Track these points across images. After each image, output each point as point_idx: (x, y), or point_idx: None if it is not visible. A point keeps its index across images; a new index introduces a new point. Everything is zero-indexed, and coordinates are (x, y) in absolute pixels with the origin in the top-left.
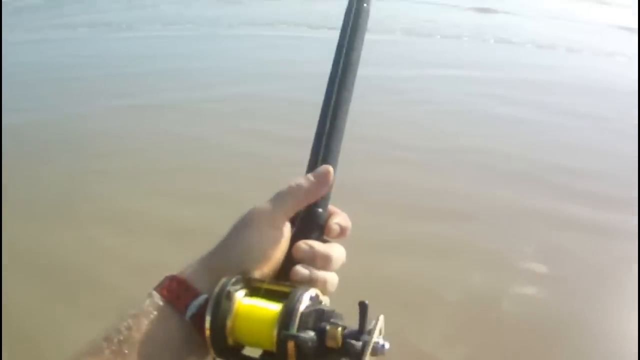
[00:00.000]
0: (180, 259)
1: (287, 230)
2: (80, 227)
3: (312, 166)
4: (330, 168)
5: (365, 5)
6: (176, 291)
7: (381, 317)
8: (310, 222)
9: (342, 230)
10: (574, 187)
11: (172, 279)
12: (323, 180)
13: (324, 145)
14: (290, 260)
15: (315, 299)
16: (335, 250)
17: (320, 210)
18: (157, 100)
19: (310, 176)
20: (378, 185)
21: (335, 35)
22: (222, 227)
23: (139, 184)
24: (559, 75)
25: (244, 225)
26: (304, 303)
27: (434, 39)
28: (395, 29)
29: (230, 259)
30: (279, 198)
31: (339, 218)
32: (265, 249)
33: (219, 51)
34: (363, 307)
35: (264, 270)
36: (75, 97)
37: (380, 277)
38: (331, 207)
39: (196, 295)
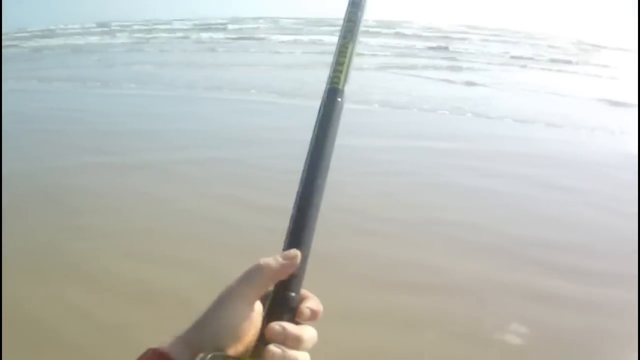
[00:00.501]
0: (146, 320)
1: (257, 307)
2: (51, 281)
3: (286, 247)
4: (298, 252)
5: (339, 99)
6: None
7: None
8: (282, 305)
9: (314, 314)
10: (549, 260)
11: (154, 352)
12: (290, 263)
13: (298, 229)
14: (263, 339)
15: None
16: (307, 332)
17: (293, 294)
18: (132, 159)
19: (279, 257)
20: (350, 257)
21: (307, 104)
22: (188, 292)
23: (110, 243)
24: (536, 148)
25: (218, 303)
26: None
27: (410, 111)
28: (372, 100)
29: (205, 335)
30: (249, 277)
31: (310, 302)
32: (237, 326)
33: (195, 114)
34: None
35: (238, 346)
36: (53, 150)
37: (350, 348)
38: (304, 291)
39: None
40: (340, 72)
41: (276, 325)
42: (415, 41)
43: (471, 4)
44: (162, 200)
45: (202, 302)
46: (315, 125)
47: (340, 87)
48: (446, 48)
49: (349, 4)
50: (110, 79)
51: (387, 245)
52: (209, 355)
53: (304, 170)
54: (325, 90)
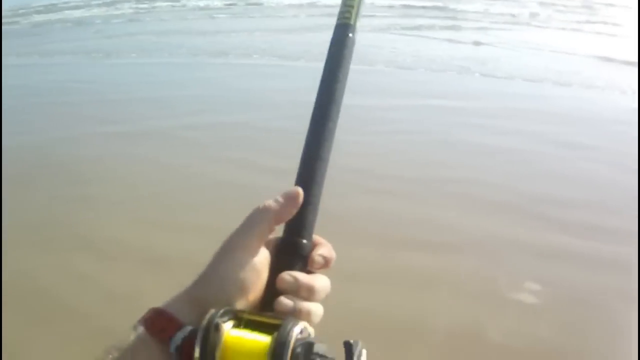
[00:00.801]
0: (156, 288)
1: (263, 254)
2: (59, 252)
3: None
4: (300, 189)
5: (350, 35)
6: (159, 323)
7: (364, 352)
8: (293, 253)
9: (326, 262)
10: (561, 218)
11: (155, 311)
12: (292, 202)
13: (307, 172)
14: (273, 290)
15: (304, 332)
16: (320, 282)
17: (304, 241)
18: (140, 127)
19: (279, 197)
20: (360, 216)
21: (316, 65)
22: (200, 257)
23: (119, 211)
24: (546, 105)
25: (221, 255)
26: (295, 336)
27: (417, 72)
28: (377, 60)
29: (210, 289)
30: (249, 222)
31: (323, 249)
32: (242, 277)
33: (201, 79)
34: (348, 347)
35: (247, 298)
36: (61, 121)
37: (361, 309)
38: (316, 237)
39: (179, 327)
40: (352, 6)
41: (287, 275)
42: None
43: None
44: (171, 166)
45: None
46: (326, 63)
47: (351, 22)
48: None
49: None
50: (113, 50)
51: (397, 204)
52: (221, 311)
53: (314, 109)
54: (335, 26)
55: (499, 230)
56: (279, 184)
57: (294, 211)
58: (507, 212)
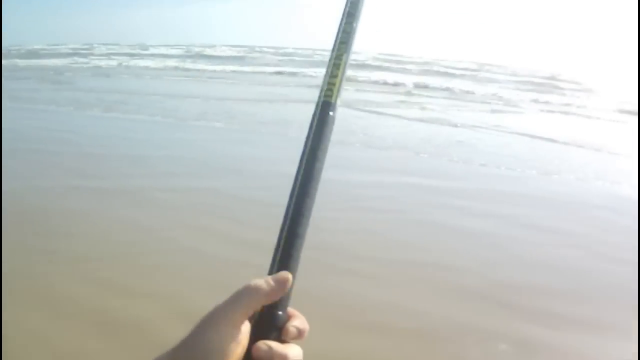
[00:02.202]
0: (102, 351)
1: (245, 328)
2: (13, 305)
3: (272, 269)
4: (289, 275)
5: (331, 113)
6: None
7: None
8: (269, 323)
9: (300, 333)
10: (531, 306)
11: None
12: (281, 286)
13: (285, 251)
14: (250, 358)
15: None
16: (293, 351)
17: (280, 312)
18: (115, 184)
19: (270, 280)
20: (323, 296)
21: (295, 136)
22: (152, 324)
23: (80, 268)
24: (522, 188)
25: (206, 324)
26: None
27: (394, 150)
28: (355, 135)
29: (194, 355)
30: (238, 298)
31: (297, 321)
32: (225, 349)
33: (181, 141)
34: None
35: None
36: (38, 170)
37: None
38: (290, 309)
39: None
40: (334, 84)
41: (262, 345)
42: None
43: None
44: (140, 227)
45: (165, 335)
46: (307, 139)
47: (332, 100)
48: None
49: (343, 15)
50: (94, 103)
51: (363, 286)
52: None
53: (293, 187)
54: (317, 104)
55: (465, 318)
56: (242, 255)
57: (282, 294)
58: (476, 299)
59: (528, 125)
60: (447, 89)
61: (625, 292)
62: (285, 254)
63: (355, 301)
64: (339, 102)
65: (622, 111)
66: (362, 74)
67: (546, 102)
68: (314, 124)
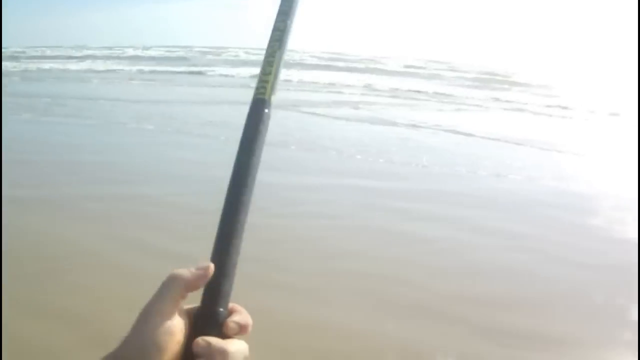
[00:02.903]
0: None
1: (177, 319)
2: None
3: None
4: (211, 265)
5: (266, 110)
6: None
7: None
8: (209, 320)
9: (242, 328)
10: (485, 321)
11: None
12: (203, 273)
13: (223, 244)
14: (190, 355)
15: None
16: (233, 346)
17: (220, 309)
18: (44, 193)
19: (192, 268)
20: (253, 315)
21: (233, 137)
22: (66, 351)
23: None
24: (470, 189)
25: (140, 319)
26: None
27: (334, 151)
28: (291, 136)
29: (130, 352)
30: (163, 289)
31: (238, 316)
32: (159, 340)
33: (115, 145)
34: None
35: None
36: None
37: None
38: (234, 305)
39: None
40: (267, 82)
41: (201, 341)
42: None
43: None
44: (63, 241)
45: None
46: (242, 137)
47: (266, 97)
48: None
49: (277, 12)
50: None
51: (295, 303)
52: None
53: (229, 184)
54: (252, 101)
55: (408, 335)
56: (165, 271)
57: (204, 282)
58: (420, 314)
59: (474, 124)
60: (392, 89)
61: (585, 299)
62: (221, 249)
63: (286, 319)
64: (273, 99)
65: (560, 106)
66: (298, 74)
67: (496, 99)
68: (248, 122)
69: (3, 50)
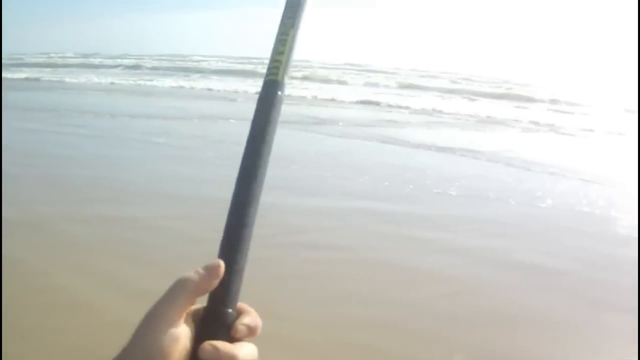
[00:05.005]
0: None
1: (183, 326)
2: None
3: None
4: (221, 262)
5: (279, 93)
6: None
7: None
8: (217, 322)
9: (251, 331)
10: None
11: None
12: (212, 274)
13: (231, 240)
14: None
15: None
16: (243, 350)
17: (229, 310)
18: (16, 214)
19: (199, 269)
20: None
21: (236, 151)
22: None
23: None
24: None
25: (143, 325)
26: None
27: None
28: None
29: (135, 358)
30: (170, 294)
31: (247, 318)
32: (163, 348)
33: (106, 158)
34: None
35: None
36: None
37: None
38: (242, 304)
39: None
40: (280, 62)
41: (208, 345)
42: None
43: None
44: (26, 272)
45: None
46: (253, 121)
47: (279, 78)
48: None
49: None
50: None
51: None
52: None
53: (239, 173)
54: (263, 83)
55: None
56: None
57: (215, 283)
58: None
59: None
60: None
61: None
62: (229, 244)
63: None
64: (286, 80)
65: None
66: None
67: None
68: (259, 105)
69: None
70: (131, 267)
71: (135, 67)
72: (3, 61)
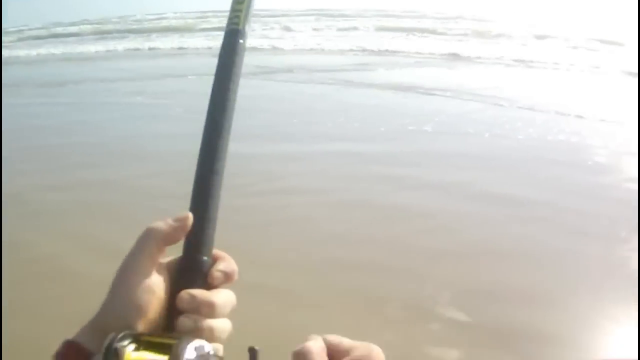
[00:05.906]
0: None
1: (157, 276)
2: None
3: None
4: (190, 214)
5: (240, 41)
6: (71, 355)
7: None
8: (192, 270)
9: (227, 277)
10: (490, 320)
11: (66, 343)
12: (181, 224)
13: (203, 187)
14: (175, 310)
15: (200, 349)
16: (220, 297)
17: (204, 257)
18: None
19: (169, 219)
20: None
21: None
22: None
23: None
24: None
25: (116, 280)
26: (188, 355)
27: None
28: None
29: (111, 314)
30: (138, 245)
31: (222, 264)
32: (138, 300)
33: (84, 124)
34: (253, 353)
35: (147, 320)
36: None
37: None
38: (217, 251)
39: (88, 356)
40: (240, 11)
41: (185, 294)
42: None
43: None
44: (14, 244)
45: None
46: (216, 71)
47: (240, 27)
48: None
49: None
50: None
51: (274, 306)
52: (120, 335)
53: (205, 123)
54: (224, 33)
55: (408, 345)
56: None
57: (184, 233)
58: (422, 319)
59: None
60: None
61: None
62: (200, 192)
63: (264, 327)
64: (247, 28)
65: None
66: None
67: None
68: (222, 55)
69: None
70: (113, 228)
71: (96, 32)
72: None
